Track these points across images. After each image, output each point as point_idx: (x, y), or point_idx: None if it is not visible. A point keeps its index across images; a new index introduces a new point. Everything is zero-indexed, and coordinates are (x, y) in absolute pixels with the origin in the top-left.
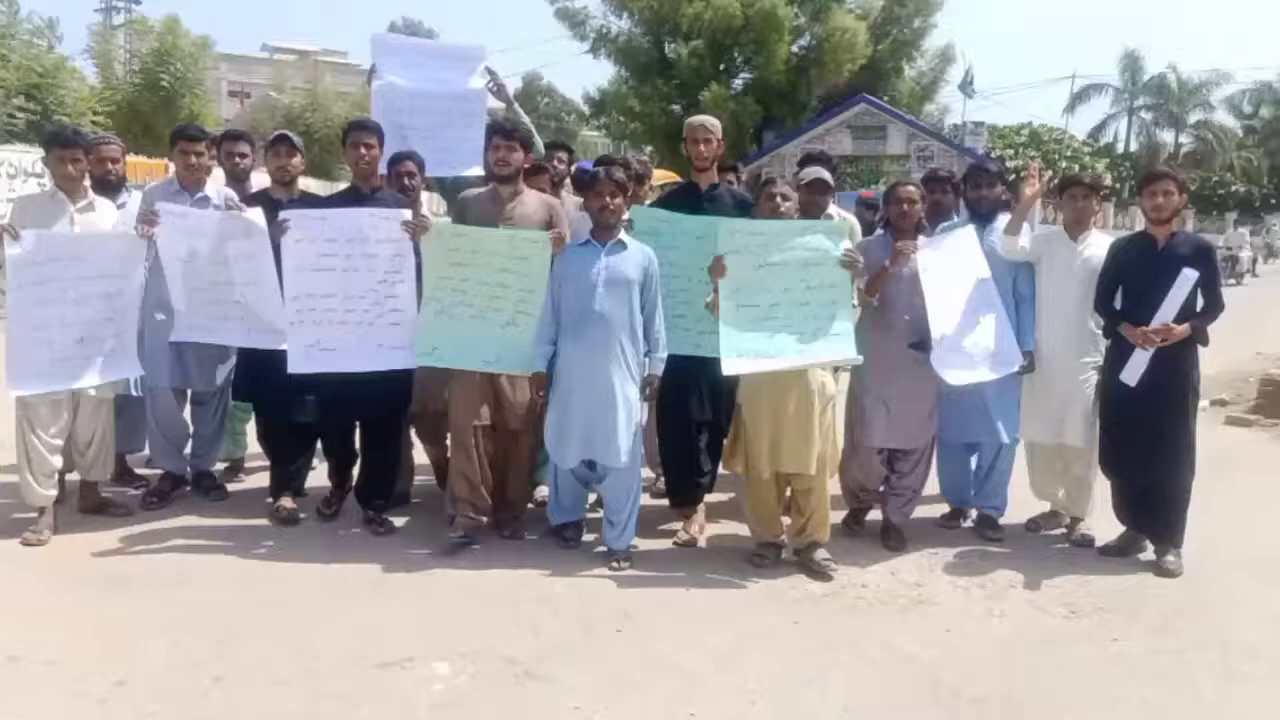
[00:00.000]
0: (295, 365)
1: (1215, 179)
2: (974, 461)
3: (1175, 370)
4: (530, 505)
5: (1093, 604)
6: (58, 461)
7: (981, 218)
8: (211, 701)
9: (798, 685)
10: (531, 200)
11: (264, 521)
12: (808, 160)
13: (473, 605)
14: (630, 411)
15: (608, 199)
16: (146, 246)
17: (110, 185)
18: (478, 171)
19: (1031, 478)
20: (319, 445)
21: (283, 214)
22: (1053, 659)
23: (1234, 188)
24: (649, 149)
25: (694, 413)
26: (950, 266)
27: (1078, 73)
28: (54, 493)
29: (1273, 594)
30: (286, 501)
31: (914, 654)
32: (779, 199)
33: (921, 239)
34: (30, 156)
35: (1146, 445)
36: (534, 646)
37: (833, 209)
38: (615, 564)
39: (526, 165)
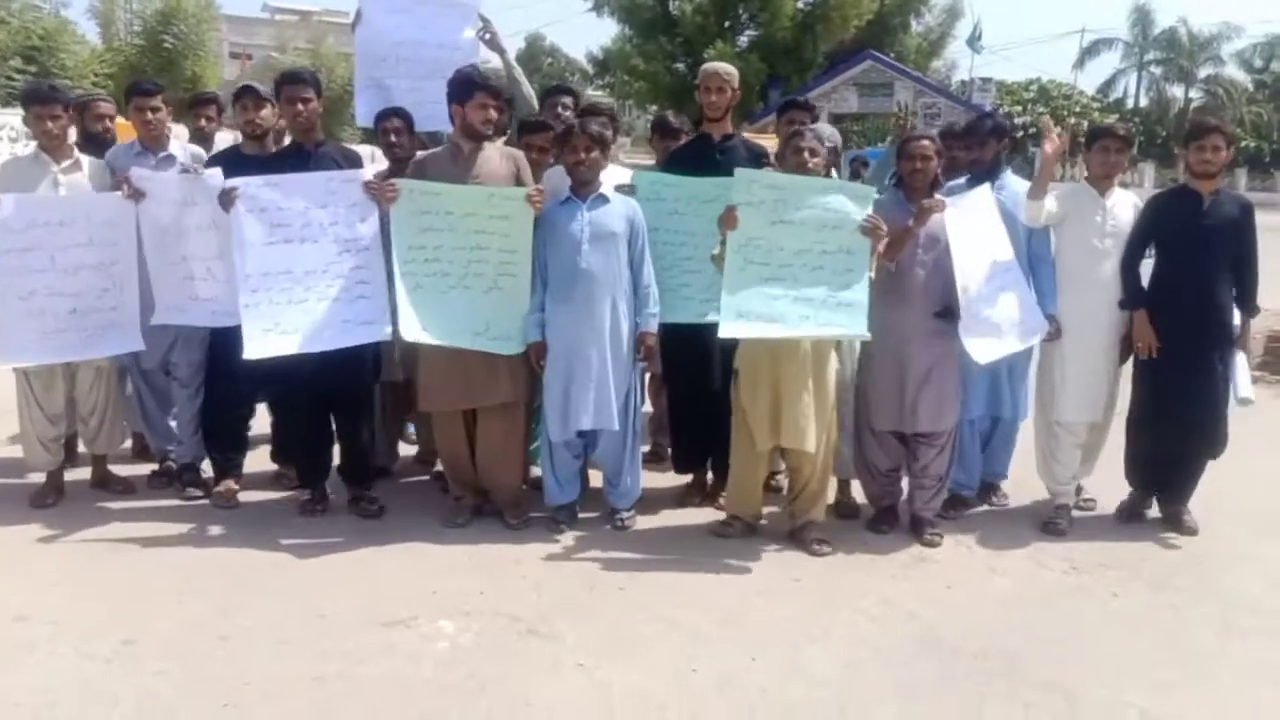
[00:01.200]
0: (251, 350)
1: None
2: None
3: (1219, 337)
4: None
5: (1093, 560)
6: (58, 429)
7: (978, 179)
8: (217, 660)
9: (800, 642)
10: (494, 155)
11: (270, 493)
12: (787, 108)
13: (477, 567)
14: (623, 372)
15: (583, 153)
16: (135, 208)
17: (105, 144)
18: None
19: (1045, 464)
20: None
21: (229, 182)
22: (1053, 614)
23: (1244, 143)
24: (654, 108)
25: (704, 382)
26: (972, 228)
27: (1087, 27)
28: (58, 458)
29: (1274, 549)
30: (231, 484)
31: (915, 610)
32: (806, 153)
33: (955, 197)
34: None
35: (1186, 412)
36: (538, 605)
37: None
38: (619, 521)
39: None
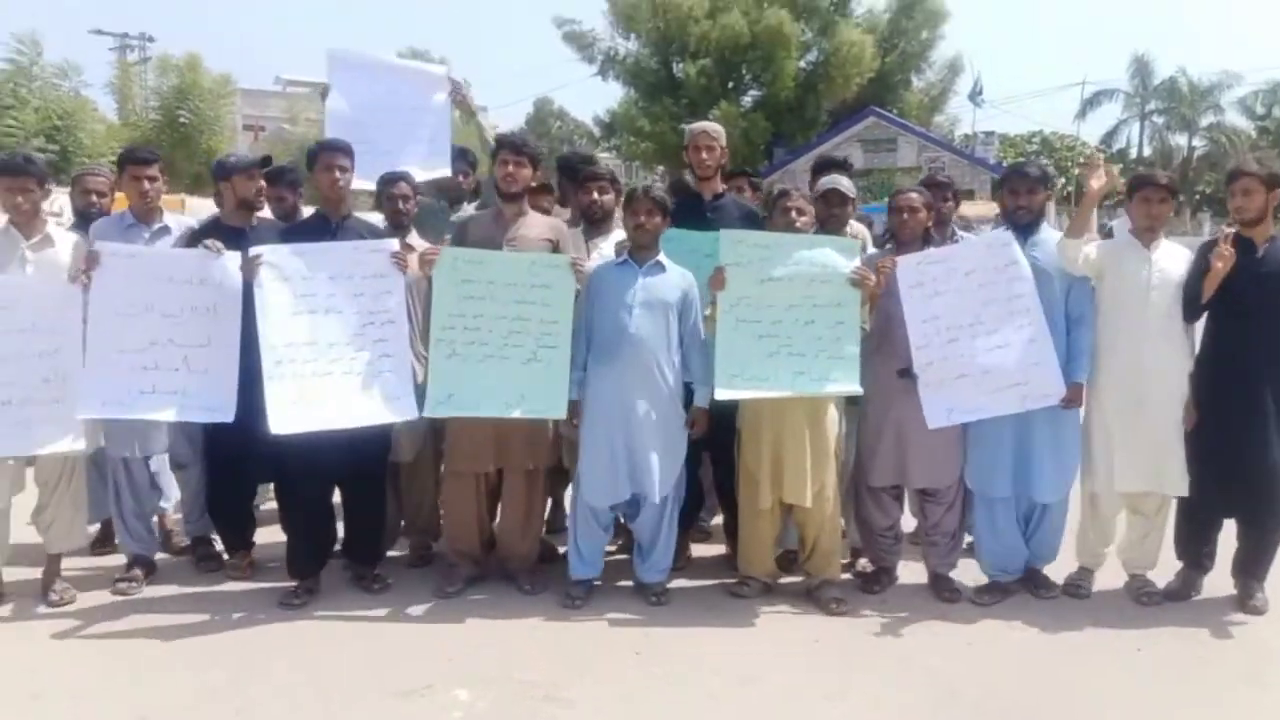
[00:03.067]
0: (278, 426)
1: None
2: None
3: None
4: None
5: (1116, 614)
6: None
7: (1021, 230)
8: None
9: (817, 700)
10: (536, 222)
11: (282, 560)
12: (824, 167)
13: (492, 631)
14: (666, 442)
15: (643, 218)
16: (81, 294)
17: (91, 220)
18: (445, 173)
19: (1084, 536)
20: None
21: (253, 250)
22: (1076, 670)
23: None
24: (660, 169)
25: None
26: (962, 281)
27: (1087, 79)
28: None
29: None
30: (242, 563)
31: (934, 667)
32: (794, 213)
33: (915, 253)
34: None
35: (1253, 479)
36: (552, 670)
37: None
38: (653, 598)
39: (534, 183)
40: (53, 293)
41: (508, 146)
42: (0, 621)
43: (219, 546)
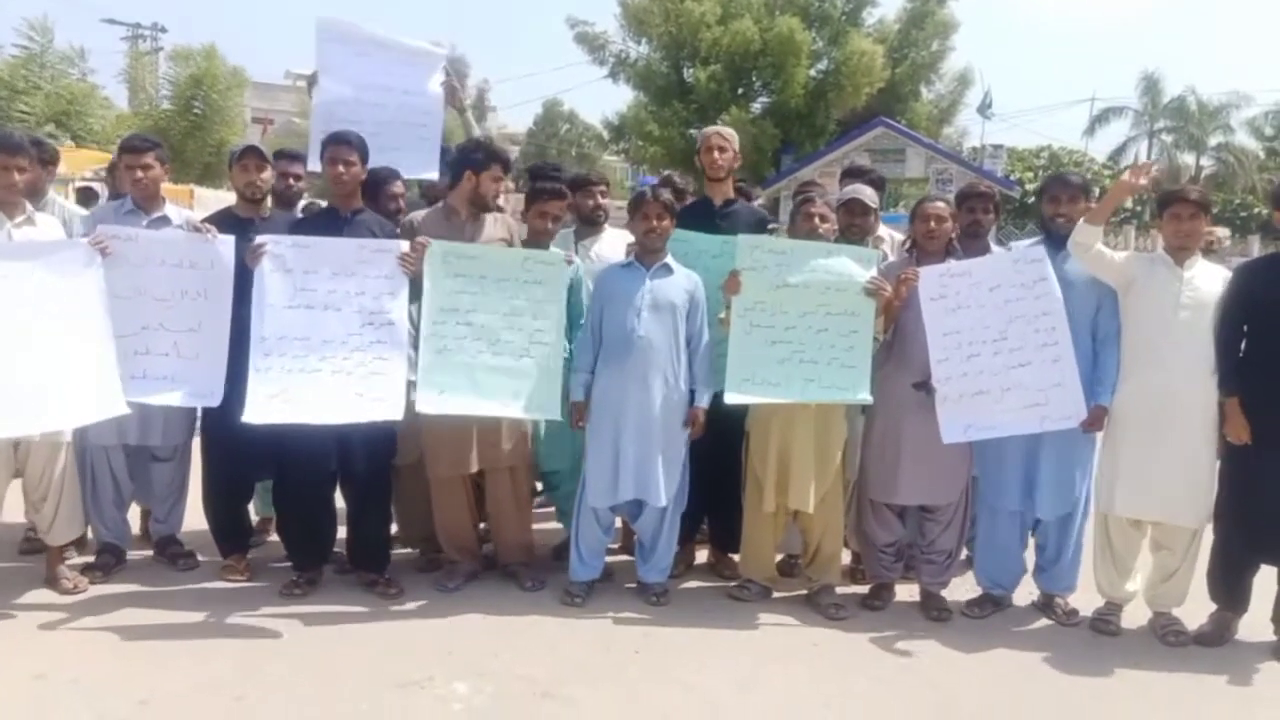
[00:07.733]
0: (252, 414)
1: (1238, 201)
2: (1026, 534)
3: None
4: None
5: (1131, 638)
6: None
7: (1058, 241)
8: None
9: (817, 707)
10: (489, 221)
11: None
12: (850, 175)
13: (493, 626)
14: (672, 445)
15: (654, 221)
16: (102, 262)
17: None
18: (432, 177)
19: (1099, 564)
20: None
21: (259, 238)
22: (1074, 683)
23: (1257, 210)
24: (667, 172)
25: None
26: (986, 296)
27: (1097, 96)
28: None
29: None
30: (238, 565)
31: (934, 678)
32: (816, 219)
33: (938, 265)
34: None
35: None
36: (553, 667)
37: (883, 230)
38: (653, 598)
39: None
40: (82, 254)
41: (503, 164)
42: (5, 607)
43: (187, 545)
